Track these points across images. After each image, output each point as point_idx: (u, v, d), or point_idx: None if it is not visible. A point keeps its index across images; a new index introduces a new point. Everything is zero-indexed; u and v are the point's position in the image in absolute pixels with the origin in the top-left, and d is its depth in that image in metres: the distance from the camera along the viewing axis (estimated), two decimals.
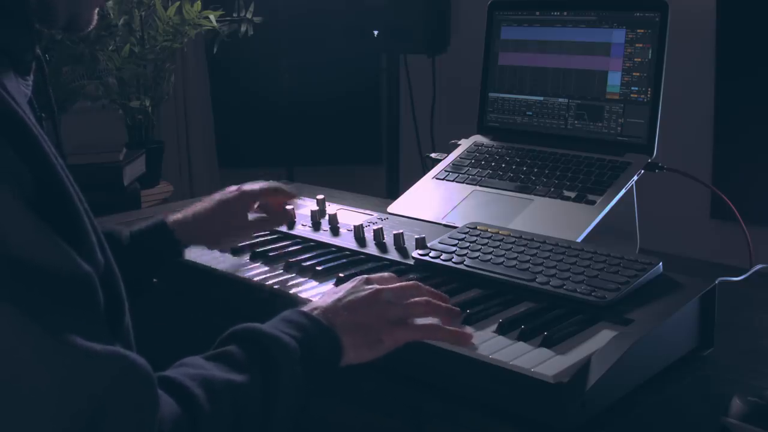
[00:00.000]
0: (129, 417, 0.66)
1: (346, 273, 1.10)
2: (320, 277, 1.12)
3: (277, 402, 0.79)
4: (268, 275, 1.14)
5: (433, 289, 0.97)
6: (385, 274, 0.99)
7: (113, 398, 0.65)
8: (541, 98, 1.49)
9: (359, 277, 0.96)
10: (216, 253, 1.24)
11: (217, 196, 1.21)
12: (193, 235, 1.17)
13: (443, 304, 0.95)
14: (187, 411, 0.73)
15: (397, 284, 0.95)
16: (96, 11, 0.85)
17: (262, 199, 1.23)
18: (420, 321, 0.92)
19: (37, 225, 0.66)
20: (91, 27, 0.85)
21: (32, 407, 0.63)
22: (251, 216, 1.22)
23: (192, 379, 0.76)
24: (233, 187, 1.22)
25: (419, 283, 0.97)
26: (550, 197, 1.35)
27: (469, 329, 0.93)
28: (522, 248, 1.11)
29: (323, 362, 0.84)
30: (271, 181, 1.25)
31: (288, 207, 1.29)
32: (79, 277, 0.68)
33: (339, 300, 0.90)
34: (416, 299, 0.93)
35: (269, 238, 1.30)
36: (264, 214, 1.25)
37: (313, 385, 0.83)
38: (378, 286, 0.93)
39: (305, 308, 0.89)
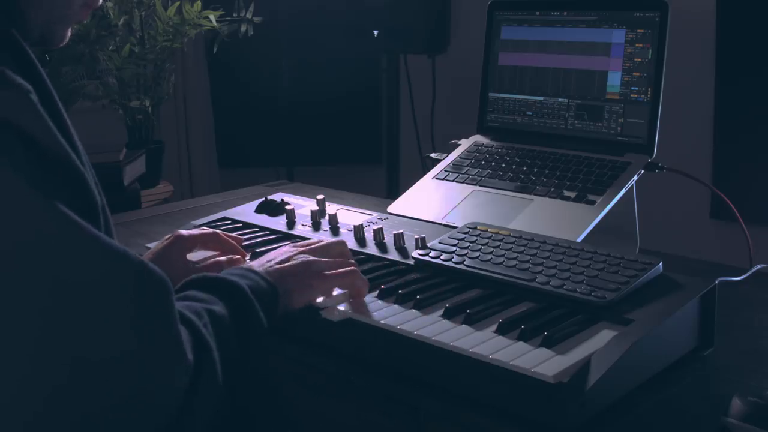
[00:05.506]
0: (156, 308, 0.74)
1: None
2: None
3: (247, 329, 0.88)
4: None
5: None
6: (313, 239, 1.12)
7: (142, 292, 0.73)
8: (541, 98, 1.49)
9: (286, 245, 1.09)
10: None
11: (156, 246, 1.16)
12: None
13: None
14: (185, 324, 0.79)
15: (321, 243, 1.08)
16: (69, 30, 0.86)
17: (196, 246, 1.16)
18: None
19: (51, 125, 0.72)
20: (64, 43, 0.86)
21: (80, 301, 0.69)
22: (195, 257, 1.15)
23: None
24: (169, 235, 1.16)
25: (342, 240, 1.11)
26: (550, 197, 1.35)
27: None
28: (522, 248, 1.11)
29: (264, 306, 0.92)
30: (209, 230, 1.19)
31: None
32: (92, 192, 0.75)
33: (271, 259, 1.02)
34: (338, 259, 1.05)
35: (269, 238, 1.30)
36: (205, 256, 1.16)
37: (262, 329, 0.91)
38: (303, 248, 1.06)
39: (242, 266, 1.00)
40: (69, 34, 0.87)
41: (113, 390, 0.70)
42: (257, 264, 1.01)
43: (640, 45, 1.37)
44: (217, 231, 1.20)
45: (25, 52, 0.76)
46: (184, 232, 1.16)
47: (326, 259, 1.04)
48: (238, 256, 1.16)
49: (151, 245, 1.27)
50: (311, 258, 1.03)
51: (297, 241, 1.26)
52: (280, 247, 1.11)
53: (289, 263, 1.01)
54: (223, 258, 1.14)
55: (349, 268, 1.03)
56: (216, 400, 0.79)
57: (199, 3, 2.58)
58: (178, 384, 0.74)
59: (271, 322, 0.93)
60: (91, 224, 0.72)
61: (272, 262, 1.01)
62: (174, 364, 0.74)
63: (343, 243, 1.10)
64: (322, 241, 1.10)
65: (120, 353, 0.70)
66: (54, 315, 0.67)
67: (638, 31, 1.37)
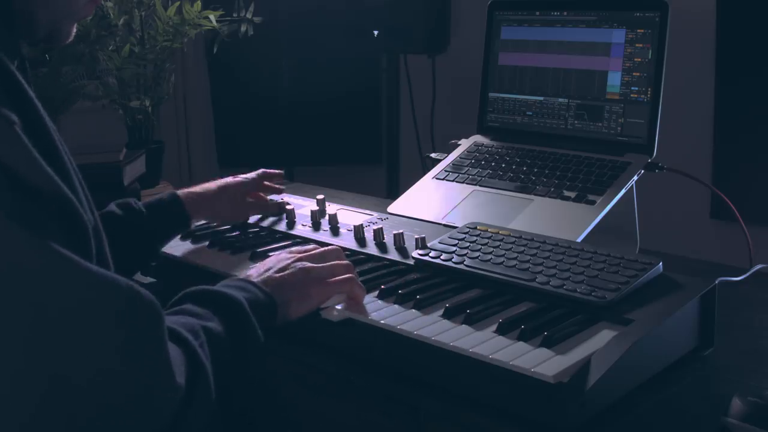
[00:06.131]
0: (145, 333, 0.73)
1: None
2: None
3: (244, 344, 0.89)
4: None
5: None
6: (309, 246, 1.12)
7: (131, 318, 0.72)
8: (541, 98, 1.49)
9: (283, 251, 1.08)
10: (216, 253, 1.24)
11: (221, 181, 1.37)
12: (200, 210, 1.30)
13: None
14: (180, 344, 0.80)
15: (318, 250, 1.08)
16: (74, 26, 0.86)
17: (257, 188, 1.40)
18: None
19: (36, 156, 0.71)
20: (69, 41, 0.86)
21: (68, 331, 0.68)
22: (249, 199, 1.39)
23: (171, 322, 0.81)
24: (237, 177, 1.40)
25: (338, 248, 1.09)
26: (550, 197, 1.35)
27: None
28: (522, 248, 1.11)
29: (262, 318, 0.92)
30: (262, 170, 1.43)
31: (279, 201, 1.42)
32: (81, 218, 0.74)
33: (268, 269, 1.02)
34: (336, 262, 1.05)
35: (269, 238, 1.30)
36: (260, 200, 1.40)
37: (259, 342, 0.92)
38: (300, 255, 1.05)
39: (240, 276, 0.99)
40: (74, 31, 0.87)
41: (100, 414, 0.70)
42: (255, 273, 1.01)
43: (640, 45, 1.37)
44: (268, 171, 1.43)
45: (12, 74, 0.74)
46: (245, 178, 1.40)
47: (323, 265, 1.03)
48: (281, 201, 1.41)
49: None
50: (309, 265, 1.02)
51: (296, 245, 1.26)
52: (277, 252, 1.11)
53: (287, 272, 1.00)
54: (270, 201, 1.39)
55: (347, 275, 1.03)
56: (209, 414, 0.79)
57: (199, 3, 2.58)
58: (167, 406, 0.74)
59: (268, 334, 0.92)
60: (80, 251, 0.71)
61: (270, 272, 1.00)
62: (162, 387, 0.73)
63: (338, 250, 1.09)
64: (317, 247, 1.10)
65: (109, 378, 0.70)
66: (41, 347, 0.67)
67: (638, 31, 1.37)
